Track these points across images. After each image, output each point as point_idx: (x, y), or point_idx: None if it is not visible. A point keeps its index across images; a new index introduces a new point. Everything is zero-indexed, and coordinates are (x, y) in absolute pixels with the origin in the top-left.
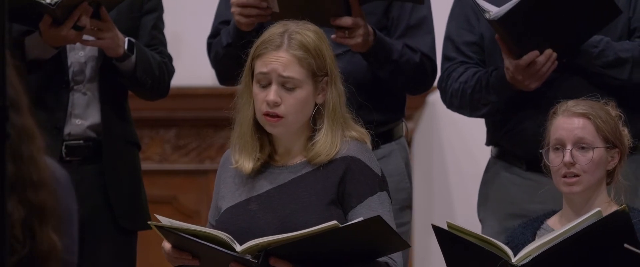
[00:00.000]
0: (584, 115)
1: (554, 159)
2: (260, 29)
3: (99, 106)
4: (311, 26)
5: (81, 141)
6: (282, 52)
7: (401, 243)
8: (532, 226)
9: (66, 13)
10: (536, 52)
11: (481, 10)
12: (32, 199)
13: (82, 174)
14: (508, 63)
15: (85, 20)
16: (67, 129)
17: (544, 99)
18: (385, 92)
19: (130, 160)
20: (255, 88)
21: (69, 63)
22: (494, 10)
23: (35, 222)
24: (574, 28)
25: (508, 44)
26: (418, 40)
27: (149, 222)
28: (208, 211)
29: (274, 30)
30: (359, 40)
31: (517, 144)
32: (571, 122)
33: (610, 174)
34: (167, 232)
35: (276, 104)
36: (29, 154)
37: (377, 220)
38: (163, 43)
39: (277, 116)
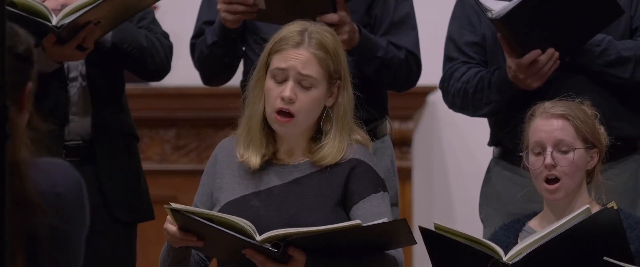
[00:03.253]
0: (562, 116)
1: (534, 162)
2: (245, 26)
3: (92, 101)
4: (328, 28)
5: (80, 141)
6: (302, 50)
7: (411, 240)
8: (514, 228)
9: (71, 33)
10: (538, 51)
11: (484, 9)
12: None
13: (81, 173)
14: (510, 62)
15: (91, 43)
16: (67, 128)
17: (547, 98)
18: (369, 90)
19: (127, 152)
20: (270, 83)
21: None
22: (496, 9)
23: None
24: (577, 27)
25: (510, 42)
26: (402, 37)
27: (165, 206)
28: None
29: (292, 28)
30: (345, 36)
31: (519, 144)
32: (550, 124)
33: (589, 174)
34: (180, 215)
35: (291, 101)
36: None
37: (402, 222)
38: (157, 30)
39: (289, 115)
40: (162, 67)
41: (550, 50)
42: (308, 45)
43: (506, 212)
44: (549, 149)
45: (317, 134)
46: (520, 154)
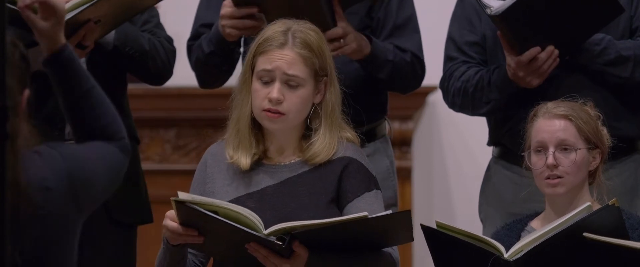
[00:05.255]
0: (565, 116)
1: (536, 162)
2: (239, 39)
3: None
4: (311, 25)
5: None
6: (287, 50)
7: (409, 237)
8: (516, 227)
9: (71, 31)
10: (538, 49)
11: (483, 6)
12: None
13: None
14: (510, 60)
15: (91, 42)
16: (68, 128)
17: (546, 97)
18: (368, 91)
19: None
20: (256, 84)
21: None
22: (495, 6)
23: None
24: (576, 25)
25: (510, 40)
26: (406, 40)
27: (171, 198)
28: None
29: (275, 28)
30: (353, 45)
31: (518, 143)
32: (552, 124)
33: (591, 175)
34: (185, 207)
35: (279, 102)
36: None
37: (406, 214)
38: (161, 33)
39: (278, 113)
40: (164, 71)
41: (550, 48)
42: (292, 44)
43: (506, 211)
44: (551, 149)
45: (306, 132)
46: (523, 153)
